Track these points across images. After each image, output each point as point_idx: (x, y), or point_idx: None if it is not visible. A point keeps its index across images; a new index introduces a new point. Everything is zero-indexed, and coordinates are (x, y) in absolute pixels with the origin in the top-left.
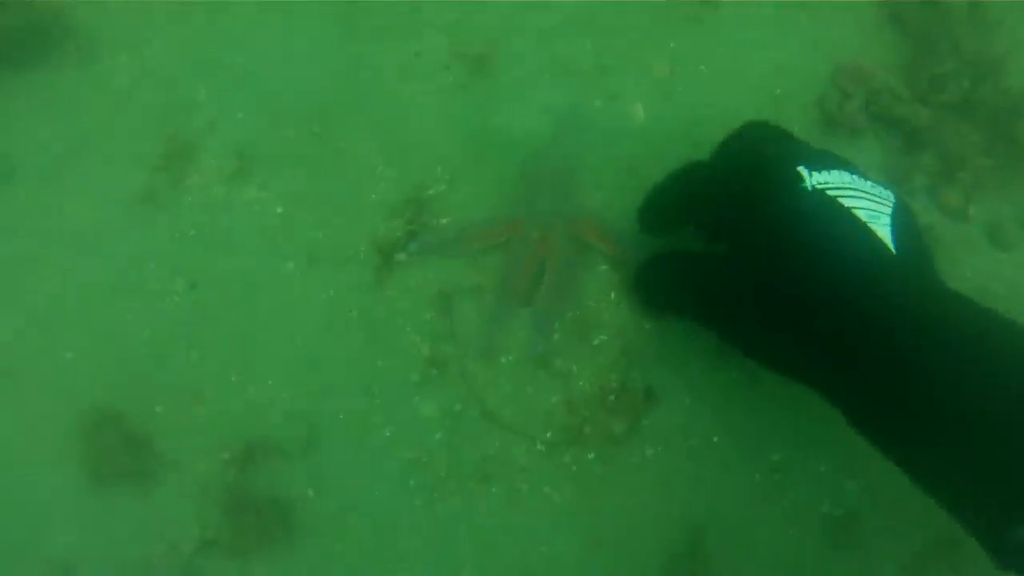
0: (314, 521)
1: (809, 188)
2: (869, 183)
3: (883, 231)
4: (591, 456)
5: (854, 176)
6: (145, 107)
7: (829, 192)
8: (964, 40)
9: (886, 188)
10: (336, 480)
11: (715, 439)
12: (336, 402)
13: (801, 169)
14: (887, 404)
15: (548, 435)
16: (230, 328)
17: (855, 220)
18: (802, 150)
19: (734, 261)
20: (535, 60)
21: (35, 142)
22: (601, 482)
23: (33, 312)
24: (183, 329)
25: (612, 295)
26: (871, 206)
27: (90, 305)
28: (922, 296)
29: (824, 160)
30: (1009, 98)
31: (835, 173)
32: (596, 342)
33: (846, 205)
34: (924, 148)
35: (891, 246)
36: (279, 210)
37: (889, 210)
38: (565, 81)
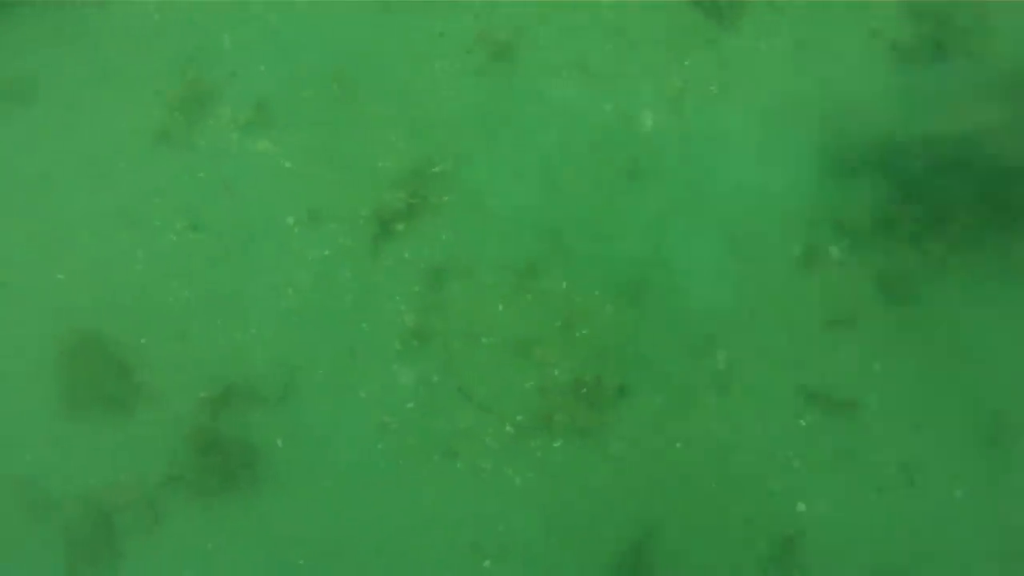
0: (279, 470)
1: None
2: None
3: None
4: (557, 444)
5: None
6: (170, 47)
7: None
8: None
9: None
10: (306, 433)
11: (678, 445)
12: (318, 357)
13: None
14: None
15: (518, 418)
16: (224, 272)
17: None
18: None
19: None
20: (556, 55)
21: (59, 67)
22: (563, 470)
23: (36, 228)
24: (178, 267)
25: (597, 292)
26: None
27: (91, 231)
28: None
29: None
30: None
31: None
32: (578, 335)
33: None
34: (916, 199)
35: None
36: (288, 165)
37: None
38: (581, 79)
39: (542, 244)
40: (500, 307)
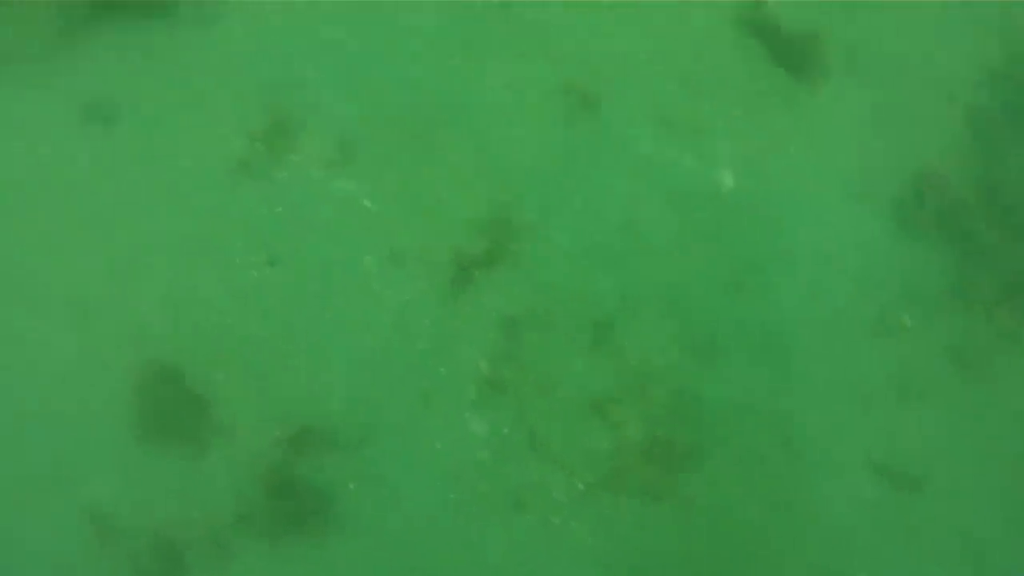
0: (350, 514)
1: None
2: None
3: None
4: (627, 502)
5: None
6: (255, 77)
7: None
8: None
9: None
10: (378, 478)
11: (746, 509)
12: (393, 402)
13: None
14: None
15: (589, 475)
16: (303, 311)
17: None
18: None
19: None
20: (638, 107)
21: (144, 91)
22: (632, 529)
23: (114, 254)
24: (256, 302)
25: (672, 351)
26: None
27: (169, 259)
28: None
29: None
30: None
31: None
32: (652, 393)
33: None
34: (990, 268)
35: None
36: (369, 204)
37: None
38: (662, 133)
39: (619, 299)
40: (575, 360)
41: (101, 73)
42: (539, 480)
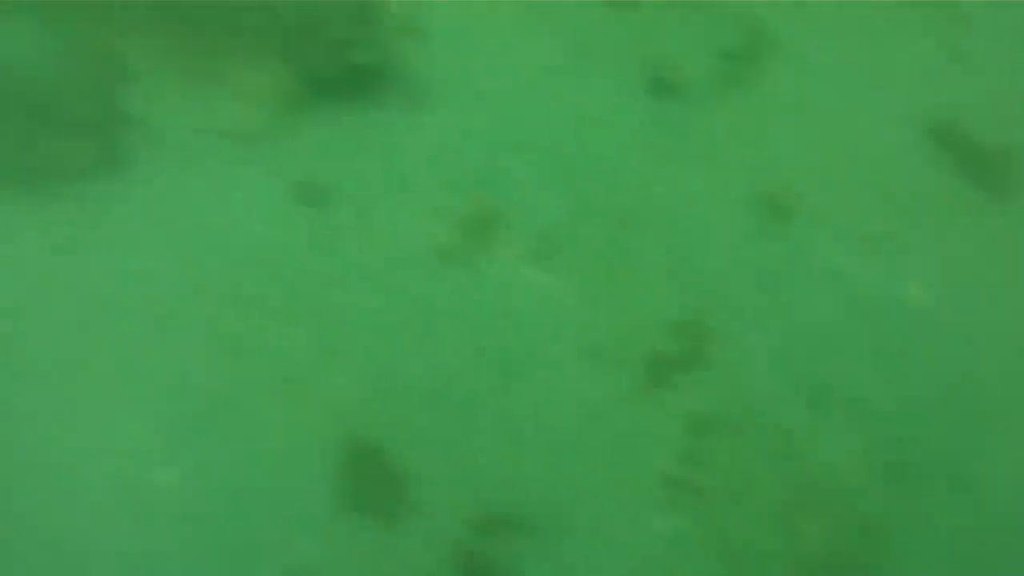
0: None
1: None
2: None
3: None
4: None
5: None
6: (462, 165)
7: None
8: None
9: None
10: (565, 569)
11: None
12: (582, 495)
13: None
14: None
15: None
16: (499, 399)
17: None
18: None
19: None
20: (831, 219)
21: (354, 174)
22: None
23: (321, 330)
24: (457, 388)
25: (861, 466)
26: None
27: (374, 339)
28: None
29: None
30: None
31: None
32: (838, 507)
33: None
34: None
35: None
36: (567, 300)
37: None
38: (854, 246)
39: (807, 408)
40: (762, 466)
41: (314, 154)
42: None
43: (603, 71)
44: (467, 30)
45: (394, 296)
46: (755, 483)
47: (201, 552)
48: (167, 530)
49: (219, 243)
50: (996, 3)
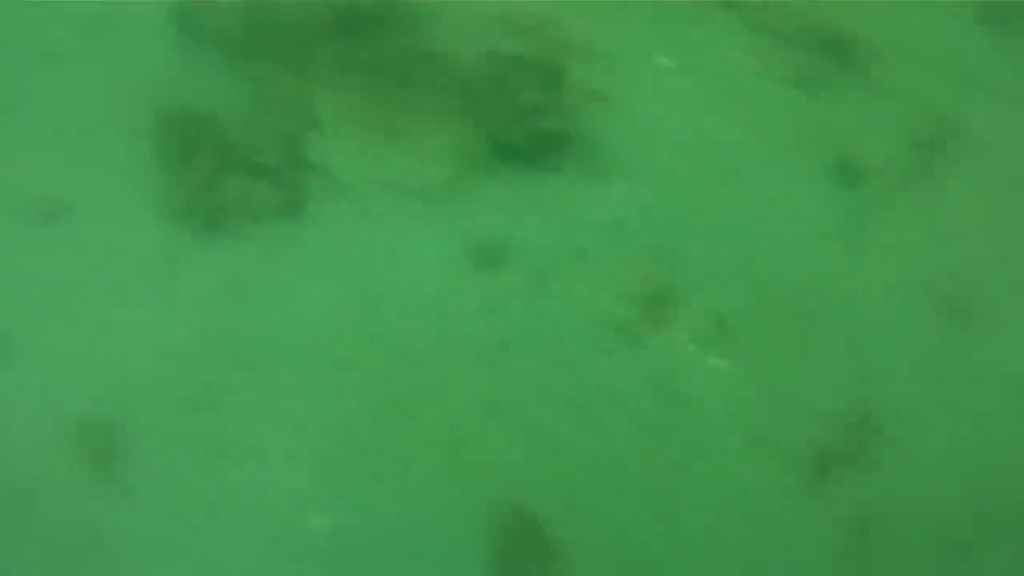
0: None
1: None
2: None
3: None
4: None
5: None
6: (638, 240)
7: None
8: None
9: None
10: None
11: None
12: None
13: None
14: None
15: None
16: (662, 480)
17: None
18: None
19: None
20: (1009, 320)
21: (530, 239)
22: None
23: (489, 392)
24: (616, 461)
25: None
26: None
27: (539, 405)
28: None
29: None
30: None
31: None
32: None
33: None
34: None
35: None
36: (736, 386)
37: None
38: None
39: (974, 519)
40: (925, 570)
41: (492, 216)
42: None
43: (788, 154)
44: (654, 103)
45: (562, 366)
46: None
47: None
48: (318, 574)
49: (392, 296)
50: None
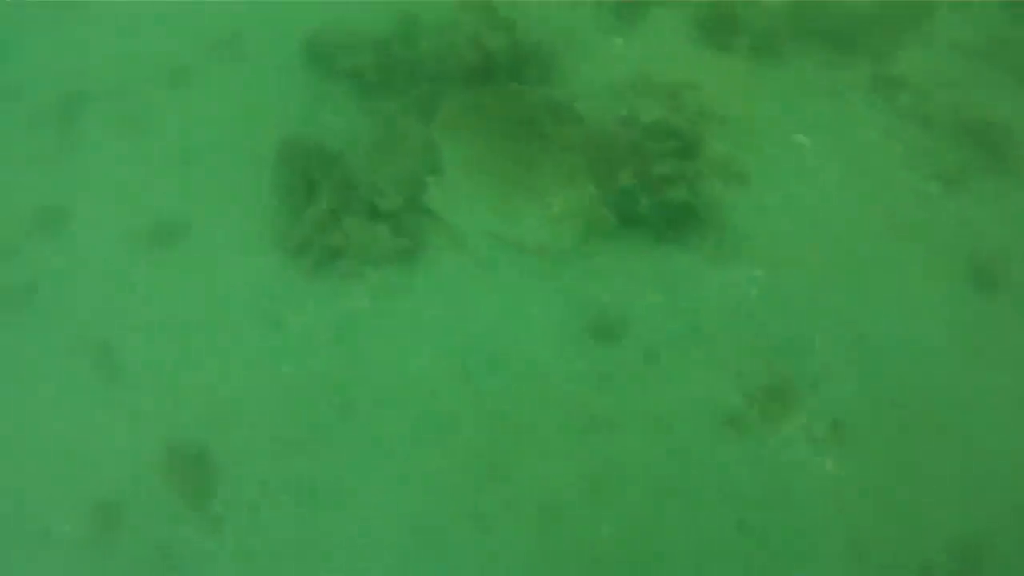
0: None
1: None
2: None
3: None
4: None
5: None
6: (762, 328)
7: None
8: None
9: None
10: None
11: None
12: None
13: None
14: None
15: None
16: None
17: None
18: None
19: None
20: None
21: (650, 316)
22: None
23: (591, 469)
24: (717, 559)
25: None
26: None
27: (641, 488)
28: None
29: None
30: None
31: None
32: None
33: None
34: None
35: None
36: (845, 491)
37: None
38: None
39: None
40: None
41: (611, 285)
42: None
43: (922, 250)
44: (789, 183)
45: (669, 452)
46: None
47: None
48: None
49: (501, 357)
50: None
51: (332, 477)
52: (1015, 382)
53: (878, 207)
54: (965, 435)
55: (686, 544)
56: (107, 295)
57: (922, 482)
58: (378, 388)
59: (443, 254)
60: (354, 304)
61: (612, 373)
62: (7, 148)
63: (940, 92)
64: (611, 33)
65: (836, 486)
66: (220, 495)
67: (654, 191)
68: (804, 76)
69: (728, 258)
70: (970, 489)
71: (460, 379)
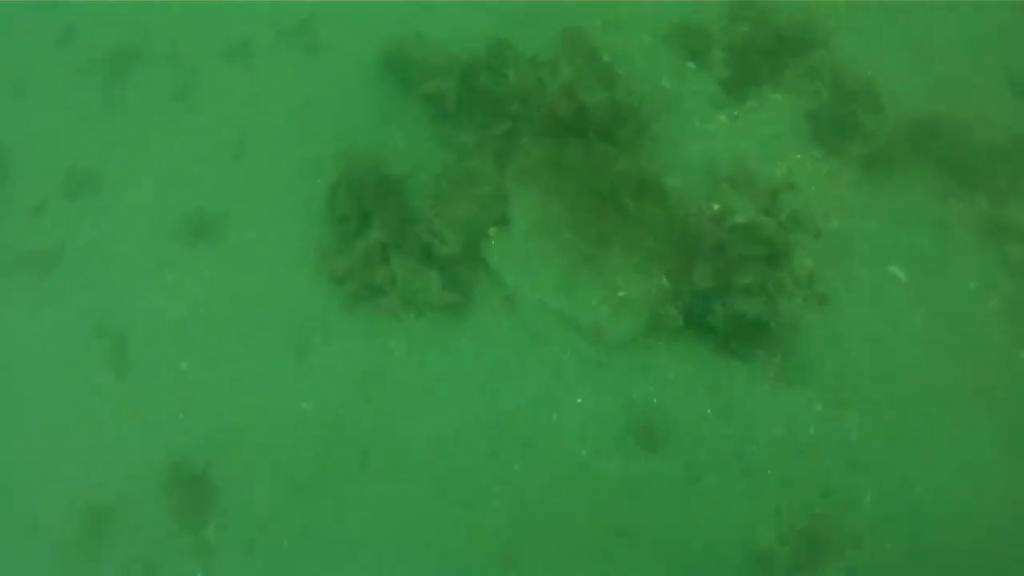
0: None
1: None
2: None
3: None
4: None
5: None
6: (815, 463)
7: None
8: None
9: None
10: None
11: None
12: None
13: None
14: None
15: None
16: None
17: None
18: None
19: None
20: None
21: (697, 429)
22: None
23: (614, 561)
24: None
25: None
26: None
27: None
28: None
29: None
30: None
31: None
32: None
33: None
34: None
35: None
36: None
37: None
38: None
39: None
40: None
41: (660, 387)
42: None
43: (1000, 425)
44: (872, 316)
45: None
46: None
47: None
48: None
49: (534, 441)
50: None
51: (335, 528)
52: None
53: (961, 365)
54: None
55: None
56: (131, 280)
57: None
58: (398, 444)
59: (492, 316)
60: (388, 348)
61: (648, 483)
62: (48, 93)
63: None
64: (717, 107)
65: None
66: (216, 522)
67: (730, 298)
68: (912, 201)
69: (791, 384)
70: None
71: (487, 453)
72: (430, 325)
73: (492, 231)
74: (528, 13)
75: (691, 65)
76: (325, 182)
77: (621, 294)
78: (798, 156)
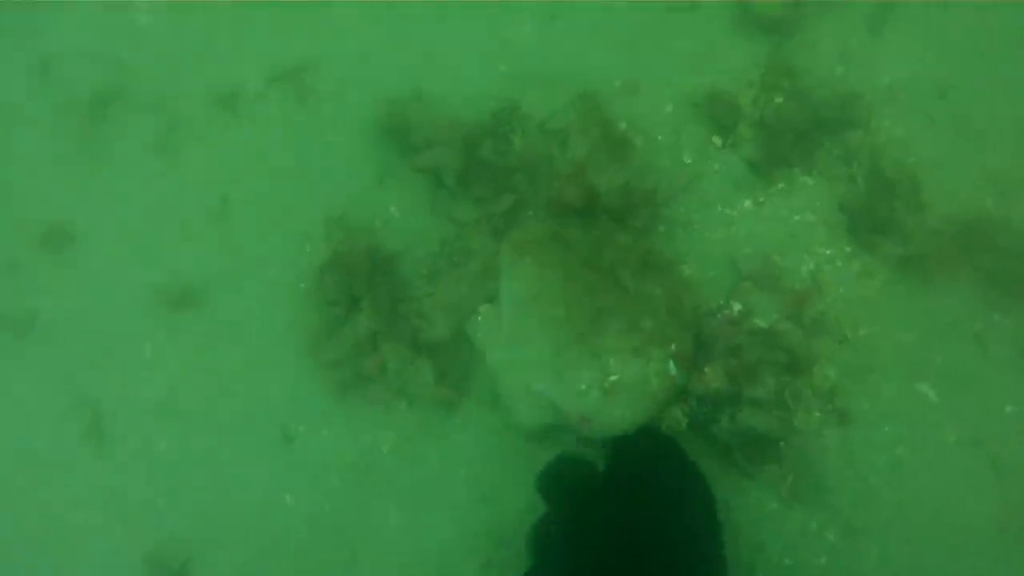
0: None
1: None
2: None
3: None
4: None
5: None
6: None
7: None
8: None
9: None
10: None
11: None
12: None
13: None
14: None
15: None
16: None
17: None
18: None
19: None
20: None
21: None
22: None
23: None
24: None
25: None
26: None
27: None
28: None
29: None
30: None
31: None
32: None
33: None
34: None
35: None
36: None
37: None
38: None
39: None
40: None
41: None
42: None
43: None
44: (897, 439)
45: None
46: None
47: None
48: None
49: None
50: None
51: None
52: None
53: (993, 500)
54: None
55: None
56: (108, 350)
57: None
58: (388, 552)
59: (478, 412)
60: (377, 441)
61: None
62: (26, 132)
63: None
64: (742, 190)
65: None
66: None
67: (741, 411)
68: (950, 312)
69: (802, 507)
70: None
71: (482, 571)
72: (421, 418)
73: (482, 308)
74: (541, 67)
75: (716, 140)
76: (315, 252)
77: (613, 378)
78: (827, 251)
